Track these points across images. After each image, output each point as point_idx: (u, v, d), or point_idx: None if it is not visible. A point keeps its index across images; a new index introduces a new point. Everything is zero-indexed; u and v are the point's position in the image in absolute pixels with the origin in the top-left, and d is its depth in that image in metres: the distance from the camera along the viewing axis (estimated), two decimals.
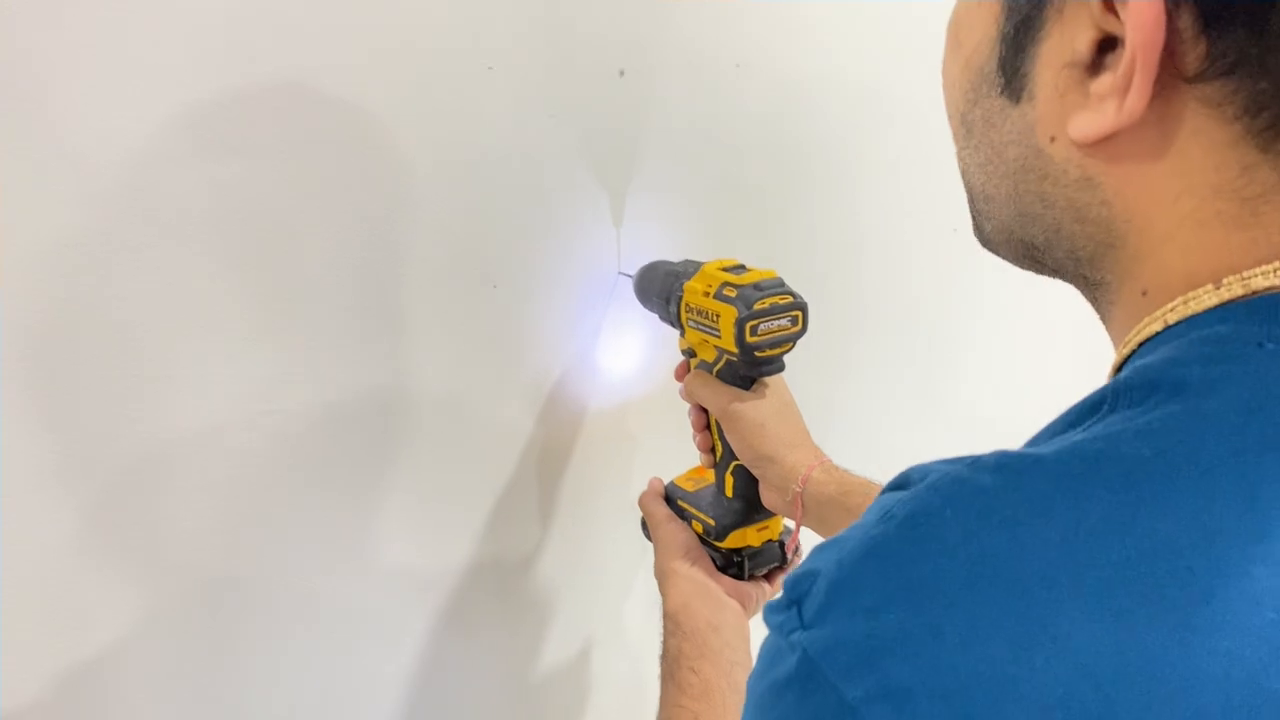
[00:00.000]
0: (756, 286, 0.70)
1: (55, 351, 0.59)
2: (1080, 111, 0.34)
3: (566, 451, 0.91)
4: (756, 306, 0.69)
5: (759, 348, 0.70)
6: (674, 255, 0.84)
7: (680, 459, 0.88)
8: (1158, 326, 0.34)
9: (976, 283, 1.24)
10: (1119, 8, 0.31)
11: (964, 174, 0.43)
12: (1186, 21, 0.30)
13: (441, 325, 0.77)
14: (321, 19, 0.65)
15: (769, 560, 0.79)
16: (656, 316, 0.82)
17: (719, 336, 0.72)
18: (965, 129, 0.41)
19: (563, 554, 0.93)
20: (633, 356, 0.93)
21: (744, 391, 0.75)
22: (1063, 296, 0.49)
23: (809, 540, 0.59)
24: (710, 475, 0.83)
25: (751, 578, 0.78)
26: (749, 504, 0.78)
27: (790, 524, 0.80)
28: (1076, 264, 0.38)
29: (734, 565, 0.78)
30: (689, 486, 0.84)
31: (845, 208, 1.09)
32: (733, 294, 0.70)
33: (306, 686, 0.78)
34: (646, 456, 0.97)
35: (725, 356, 0.74)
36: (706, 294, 0.73)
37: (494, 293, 0.80)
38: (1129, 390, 0.31)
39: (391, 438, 0.77)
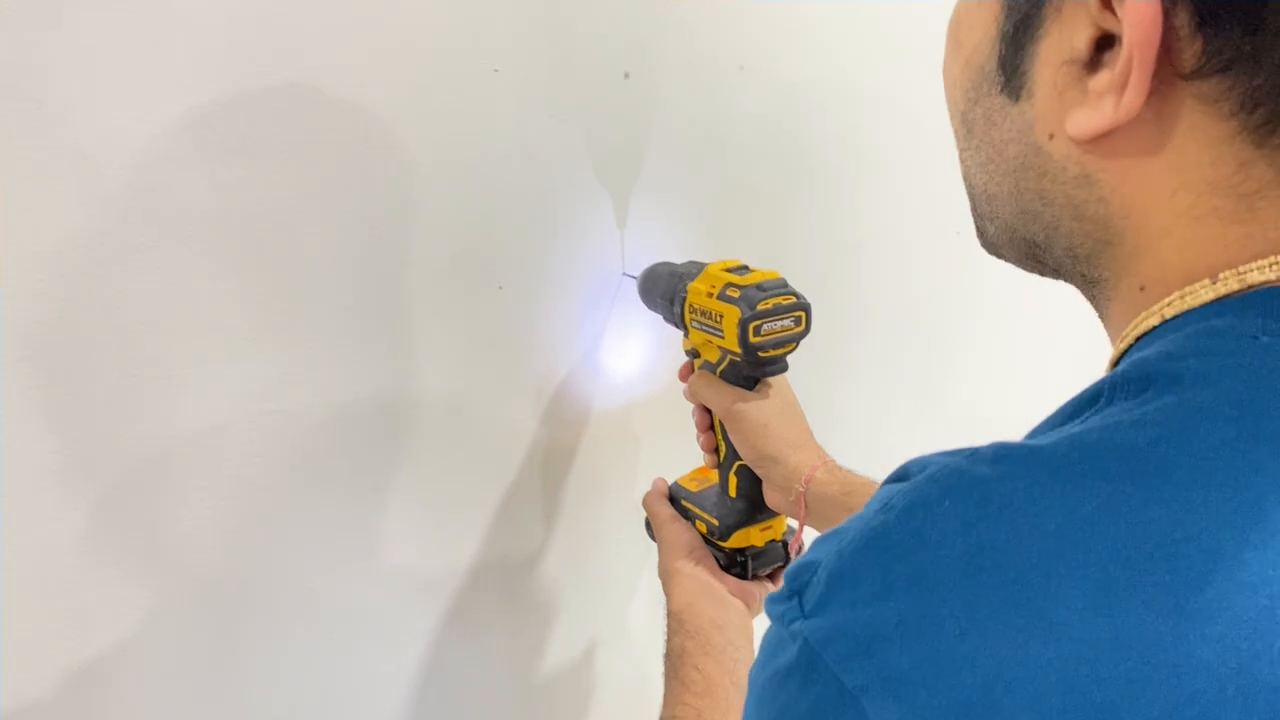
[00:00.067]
0: (760, 287, 0.70)
1: (56, 352, 0.60)
2: (1079, 108, 0.34)
3: (571, 452, 0.92)
4: (760, 307, 0.69)
5: (762, 348, 0.71)
6: (678, 256, 0.84)
7: (684, 459, 0.89)
8: (1155, 321, 0.34)
9: (977, 284, 1.25)
10: (1116, 6, 0.31)
11: (965, 175, 0.43)
12: (1183, 19, 0.30)
13: (445, 326, 0.78)
14: (325, 20, 0.65)
15: (772, 560, 0.79)
16: (660, 317, 0.83)
17: (722, 337, 0.72)
18: (966, 128, 0.41)
19: (567, 554, 0.94)
20: (637, 357, 0.93)
21: (747, 392, 0.75)
22: (1063, 298, 0.49)
23: (812, 540, 0.59)
24: (714, 475, 0.83)
25: (755, 577, 0.78)
26: (752, 504, 0.78)
27: (794, 524, 0.80)
28: (1075, 261, 0.38)
29: (737, 565, 0.78)
30: (693, 487, 0.84)
31: (847, 209, 1.10)
32: (736, 294, 0.71)
33: (308, 687, 0.78)
34: (650, 457, 0.98)
35: (729, 357, 0.75)
36: (710, 295, 0.73)
37: (499, 294, 0.81)
38: (1126, 383, 0.32)
39: (395, 438, 0.77)
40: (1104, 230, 0.36)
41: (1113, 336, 0.38)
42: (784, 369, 0.75)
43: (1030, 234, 0.40)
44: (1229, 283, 0.32)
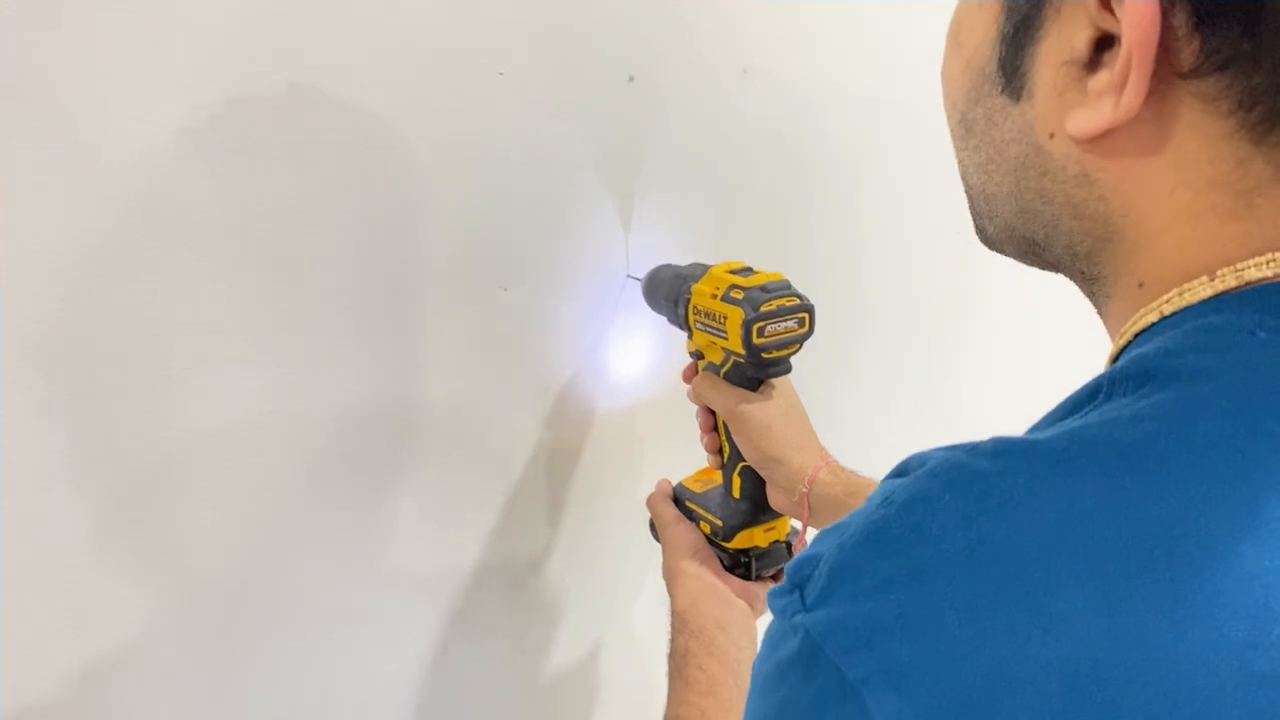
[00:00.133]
0: (764, 289, 0.71)
1: (57, 352, 0.60)
2: (1079, 108, 0.34)
3: (575, 453, 0.92)
4: (763, 308, 0.70)
5: (766, 349, 0.71)
6: (682, 258, 0.85)
7: (688, 460, 0.89)
8: (1153, 318, 0.34)
9: (978, 285, 1.25)
10: (1115, 6, 0.32)
11: (964, 175, 0.44)
12: (1181, 19, 0.31)
13: (449, 328, 0.78)
14: (330, 21, 0.65)
15: (776, 561, 0.79)
16: (665, 319, 0.83)
17: (726, 338, 0.73)
18: (965, 129, 0.42)
19: (571, 555, 0.94)
20: (641, 359, 0.94)
21: (751, 393, 0.75)
22: (1063, 299, 0.49)
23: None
24: (718, 476, 0.83)
25: (759, 578, 0.78)
26: (756, 505, 0.78)
27: (797, 525, 0.80)
28: (1074, 259, 0.39)
29: (741, 565, 0.78)
30: (697, 488, 0.84)
31: (851, 211, 1.10)
32: (740, 296, 0.71)
33: (309, 688, 0.78)
34: (654, 458, 0.98)
35: (733, 358, 0.75)
36: (714, 296, 0.73)
37: (504, 295, 0.81)
38: (1124, 378, 0.32)
39: (399, 439, 0.78)
40: (1104, 228, 0.36)
41: (1112, 333, 0.38)
42: (788, 370, 0.76)
43: (1030, 232, 0.40)
44: (1226, 279, 0.32)
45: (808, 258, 1.07)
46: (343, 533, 0.76)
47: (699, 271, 0.77)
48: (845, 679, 0.29)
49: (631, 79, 0.84)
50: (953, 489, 0.30)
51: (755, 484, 0.78)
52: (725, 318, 0.72)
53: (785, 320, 0.71)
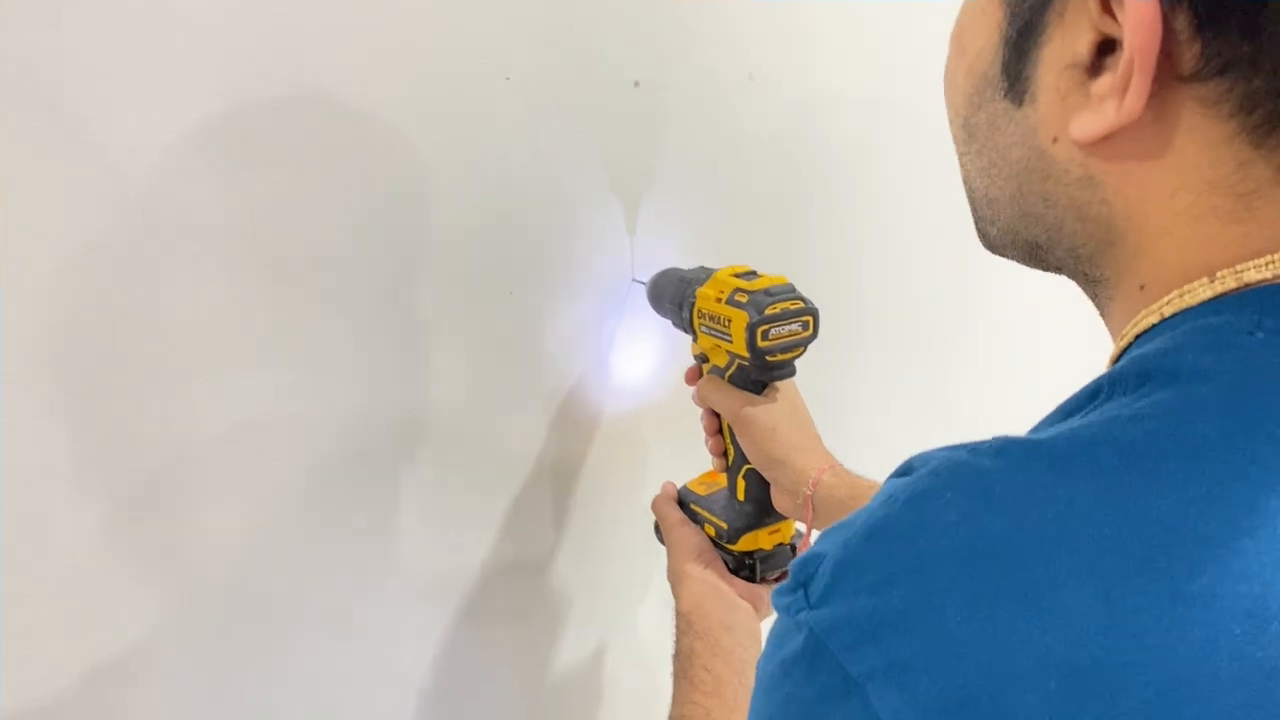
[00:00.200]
0: (768, 292, 0.71)
1: (63, 355, 0.59)
2: (1081, 112, 0.35)
3: (580, 456, 0.92)
4: (768, 311, 0.70)
5: (770, 352, 0.71)
6: (687, 262, 0.85)
7: (693, 463, 0.89)
8: (1154, 319, 0.35)
9: (978, 286, 1.25)
10: (1117, 10, 0.32)
11: (966, 179, 0.44)
12: (1182, 23, 0.31)
13: (455, 331, 0.78)
14: (330, 21, 0.65)
15: (780, 563, 0.80)
16: (670, 322, 0.83)
17: (730, 341, 0.73)
18: (967, 133, 0.42)
19: (576, 557, 0.94)
20: (646, 362, 0.94)
21: (755, 396, 0.76)
22: (1063, 300, 0.49)
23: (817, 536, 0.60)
24: (722, 479, 0.84)
25: (763, 580, 0.79)
26: (761, 507, 0.79)
27: (801, 527, 0.80)
28: (1077, 262, 0.39)
29: (746, 568, 0.78)
30: (701, 490, 0.85)
31: (851, 212, 1.10)
32: (744, 299, 0.71)
33: (312, 690, 0.78)
34: (659, 461, 0.98)
35: (737, 361, 0.75)
36: (718, 299, 0.74)
37: (510, 299, 0.81)
38: (1125, 379, 0.32)
39: (403, 442, 0.78)
40: (1106, 231, 0.37)
41: (1113, 334, 0.39)
42: (792, 373, 0.76)
43: (1033, 236, 0.40)
44: (1226, 281, 0.33)
45: (809, 259, 1.07)
46: (344, 534, 0.76)
47: (703, 275, 0.78)
48: (849, 675, 0.29)
49: (637, 84, 0.85)
50: (955, 487, 0.31)
51: (760, 487, 0.78)
52: (730, 321, 0.72)
53: (789, 323, 0.71)
